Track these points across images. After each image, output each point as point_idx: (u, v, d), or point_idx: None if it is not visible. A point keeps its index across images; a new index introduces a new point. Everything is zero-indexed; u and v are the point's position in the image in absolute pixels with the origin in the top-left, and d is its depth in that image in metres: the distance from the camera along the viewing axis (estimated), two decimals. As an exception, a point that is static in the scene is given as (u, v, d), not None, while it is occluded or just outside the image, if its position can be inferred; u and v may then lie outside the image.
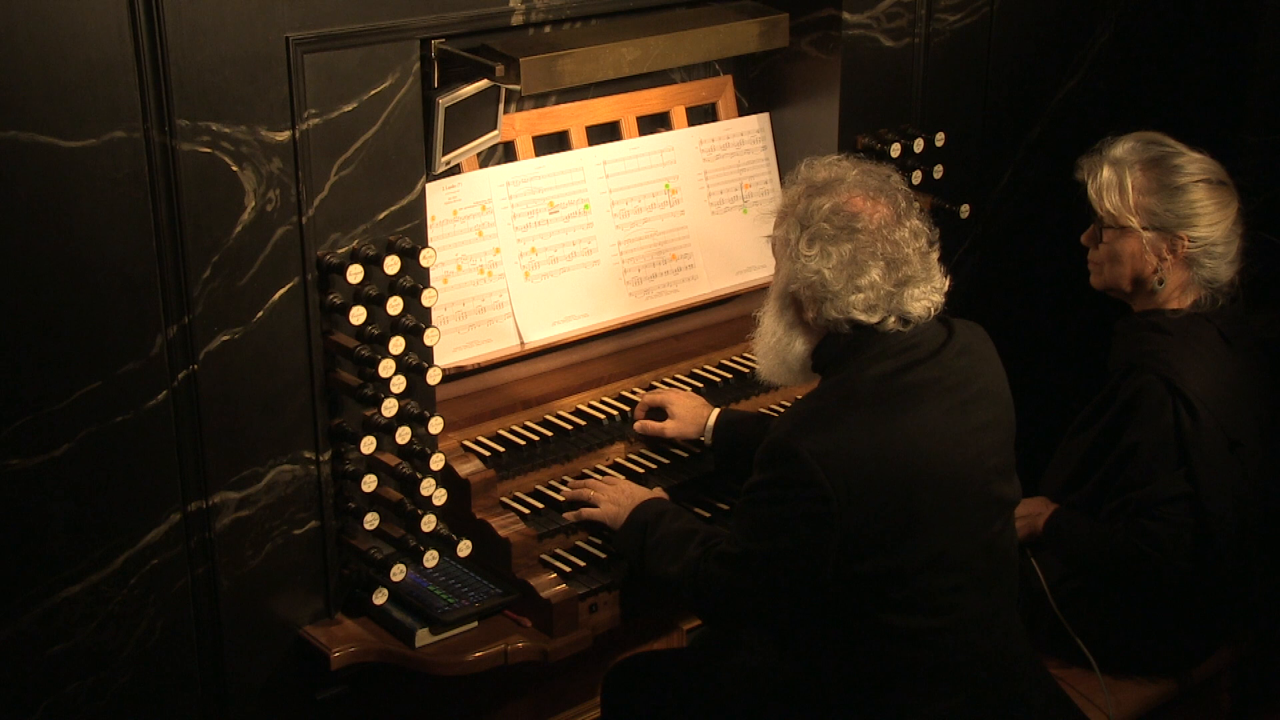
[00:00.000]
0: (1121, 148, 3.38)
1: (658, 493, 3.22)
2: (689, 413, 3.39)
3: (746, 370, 3.67)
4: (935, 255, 2.86)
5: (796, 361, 2.91)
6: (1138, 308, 3.41)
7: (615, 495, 3.16)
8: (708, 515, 3.27)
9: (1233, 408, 3.28)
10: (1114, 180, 3.34)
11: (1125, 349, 3.37)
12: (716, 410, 3.39)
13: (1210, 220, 3.31)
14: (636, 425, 3.41)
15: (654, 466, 3.35)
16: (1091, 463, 3.36)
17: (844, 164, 2.89)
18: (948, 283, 2.87)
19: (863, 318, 2.78)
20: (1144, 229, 3.31)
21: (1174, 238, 3.31)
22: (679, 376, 3.61)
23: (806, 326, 2.87)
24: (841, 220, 2.78)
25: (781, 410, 3.58)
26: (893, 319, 2.79)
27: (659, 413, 3.44)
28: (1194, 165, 3.33)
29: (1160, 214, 3.30)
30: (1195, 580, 3.25)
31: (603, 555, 3.15)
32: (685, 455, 3.41)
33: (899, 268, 2.77)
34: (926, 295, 2.81)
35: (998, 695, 2.88)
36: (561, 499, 3.22)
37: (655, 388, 3.56)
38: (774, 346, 2.93)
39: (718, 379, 3.61)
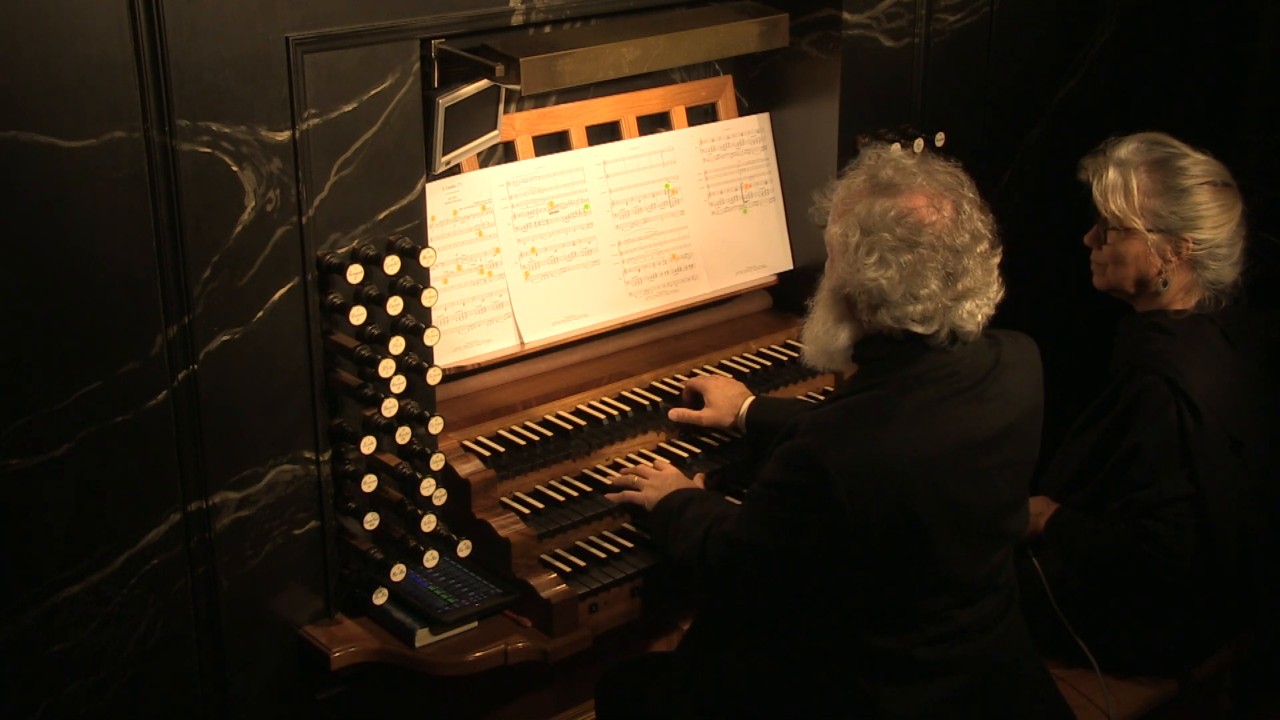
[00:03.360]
0: (1126, 149, 3.37)
1: (698, 481, 3.25)
2: (725, 401, 3.42)
3: (746, 370, 3.67)
4: (996, 259, 2.80)
5: (839, 353, 2.87)
6: (1141, 308, 3.41)
7: (659, 481, 3.20)
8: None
9: (1235, 408, 3.28)
10: (1119, 182, 3.33)
11: (1128, 349, 3.37)
12: (751, 398, 3.42)
13: (1215, 222, 3.31)
14: (672, 413, 3.44)
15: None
16: (1094, 463, 3.35)
17: (910, 162, 2.82)
18: (1002, 293, 2.82)
19: (918, 329, 2.74)
20: (1149, 231, 3.31)
21: (1179, 239, 3.30)
22: (679, 376, 3.61)
23: (857, 322, 2.82)
24: (905, 231, 2.71)
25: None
26: (945, 331, 2.75)
27: (698, 400, 3.48)
28: (1199, 167, 3.33)
29: (1165, 216, 3.30)
30: (1197, 581, 3.25)
31: (602, 555, 3.15)
32: (686, 456, 3.40)
33: (958, 280, 2.72)
34: (980, 309, 2.76)
35: (985, 696, 2.88)
36: (610, 483, 3.26)
37: (656, 388, 3.56)
38: (820, 336, 2.88)
39: (718, 379, 3.62)
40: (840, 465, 2.66)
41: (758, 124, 3.84)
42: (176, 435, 2.79)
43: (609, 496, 3.24)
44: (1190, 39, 4.54)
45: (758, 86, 3.86)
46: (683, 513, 3.05)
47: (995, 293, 2.80)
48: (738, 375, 3.63)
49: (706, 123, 3.79)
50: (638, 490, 3.21)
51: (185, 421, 2.79)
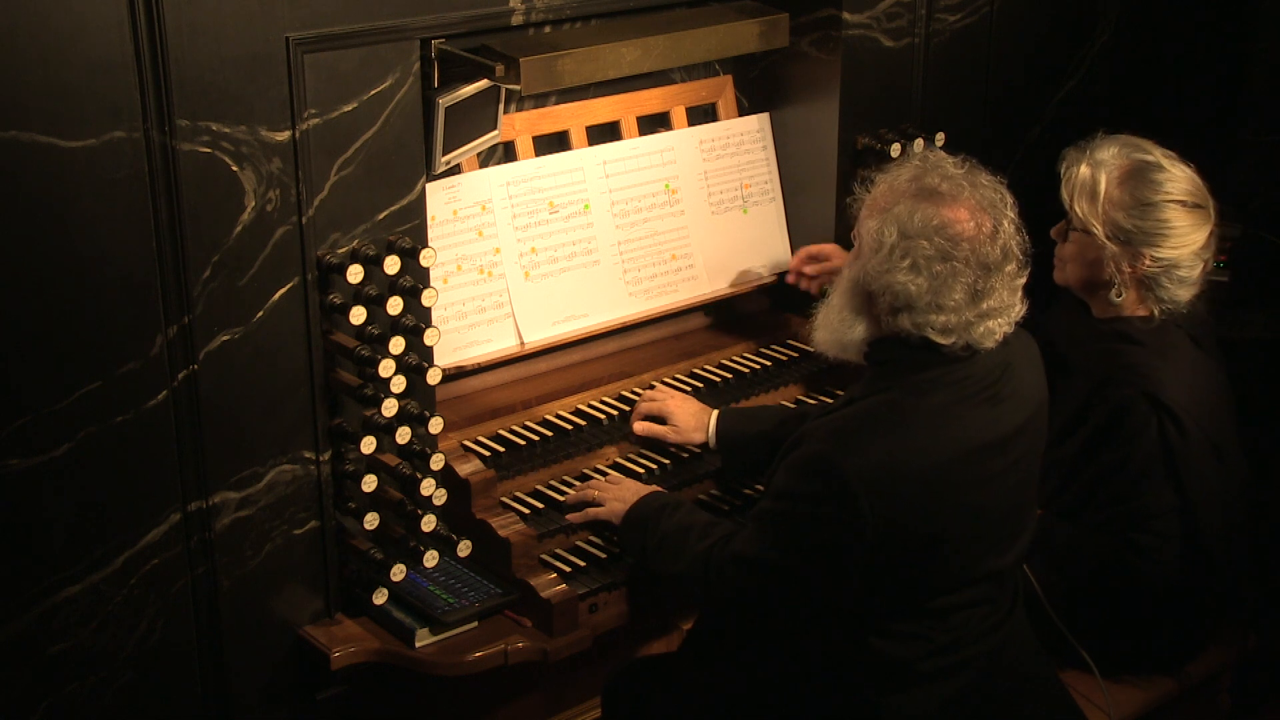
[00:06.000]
0: (1106, 151, 3.30)
1: (656, 488, 3.22)
2: (690, 419, 3.36)
3: (746, 370, 3.67)
4: (1023, 280, 2.78)
5: (852, 345, 2.85)
6: (1098, 313, 3.36)
7: (620, 494, 3.14)
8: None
9: (1213, 413, 3.26)
10: (1088, 183, 3.27)
11: (1096, 359, 3.29)
12: (715, 412, 3.37)
13: (1176, 242, 3.23)
14: (638, 428, 3.39)
15: (654, 467, 3.35)
16: (1074, 474, 3.32)
17: (958, 171, 2.78)
18: (1024, 310, 2.80)
19: (937, 339, 2.72)
20: (1108, 239, 3.25)
21: (1136, 253, 3.24)
22: (679, 376, 3.61)
23: (874, 319, 2.80)
24: (943, 241, 2.69)
25: (785, 407, 3.58)
26: (961, 345, 2.73)
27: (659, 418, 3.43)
28: (1173, 184, 3.24)
29: (1127, 228, 3.23)
30: (1185, 586, 3.24)
31: (603, 555, 3.14)
32: (686, 455, 3.40)
33: (983, 299, 2.70)
34: (1000, 328, 2.74)
35: (989, 695, 2.88)
36: (565, 501, 3.21)
37: (655, 388, 3.56)
38: (835, 324, 2.86)
39: (718, 379, 3.61)
40: (859, 471, 2.64)
41: (758, 124, 3.84)
42: (176, 435, 2.79)
43: (570, 517, 3.17)
44: (1190, 39, 4.54)
45: (758, 86, 3.86)
46: (659, 523, 3.00)
47: (1018, 312, 2.78)
48: (737, 375, 3.64)
49: (706, 123, 3.79)
50: (599, 505, 3.15)
51: (185, 421, 2.79)
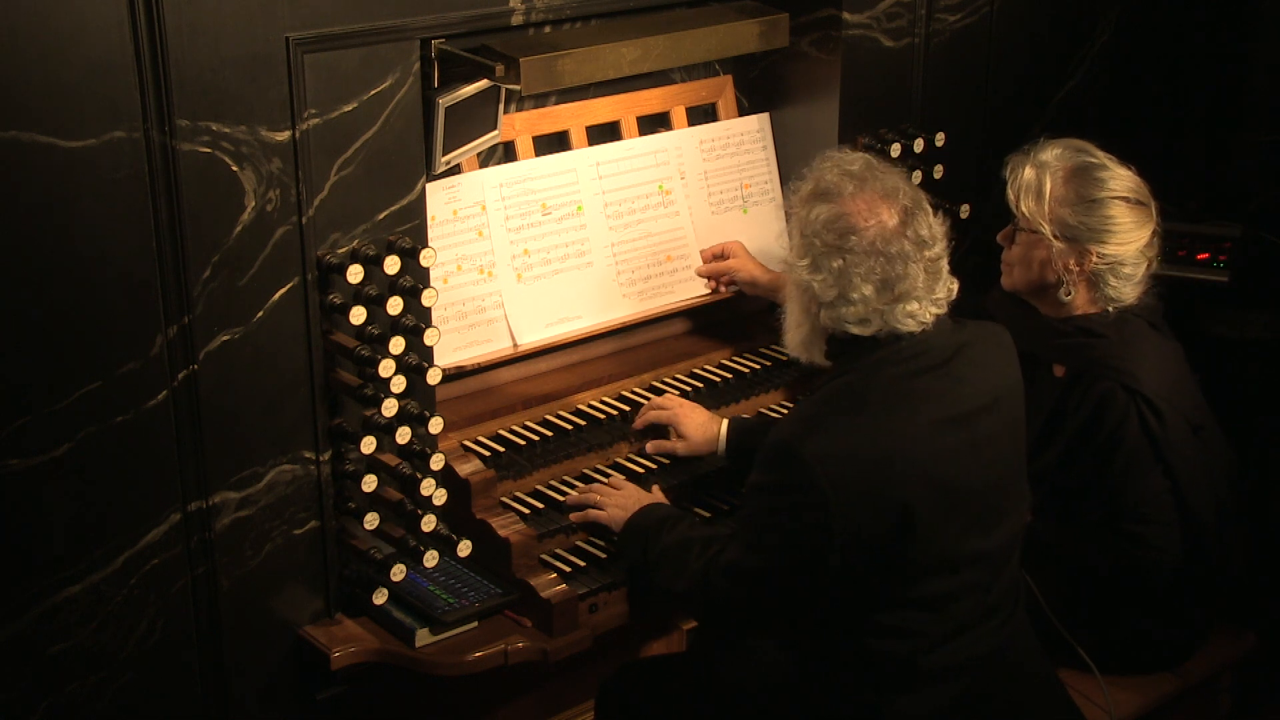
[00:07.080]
0: (1049, 152, 3.34)
1: (656, 494, 3.22)
2: (699, 430, 3.36)
3: (746, 370, 3.67)
4: (945, 261, 2.81)
5: (803, 345, 2.91)
6: (1046, 311, 3.38)
7: (621, 500, 3.15)
8: (708, 515, 3.28)
9: (1184, 393, 3.30)
10: (1034, 183, 3.31)
11: (1063, 355, 3.33)
12: (725, 422, 3.36)
13: (1121, 238, 3.26)
14: (649, 446, 3.39)
15: (654, 467, 3.35)
16: (1061, 477, 3.31)
17: (852, 168, 2.83)
18: (955, 289, 2.83)
19: (855, 330, 2.77)
20: (1055, 238, 3.28)
21: (1083, 250, 3.26)
22: (679, 376, 3.61)
23: (813, 319, 2.85)
24: (834, 236, 2.75)
25: (784, 410, 3.58)
26: (884, 333, 2.77)
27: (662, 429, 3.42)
28: (1116, 181, 3.28)
29: (1073, 225, 3.26)
30: (1186, 569, 3.25)
31: (603, 555, 3.15)
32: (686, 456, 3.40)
33: (893, 285, 2.73)
34: (923, 310, 2.77)
35: (992, 697, 2.88)
36: (565, 503, 3.21)
37: (655, 388, 3.56)
38: (790, 327, 2.93)
39: (717, 379, 3.62)
40: (818, 453, 2.67)
41: (758, 124, 3.84)
42: (176, 435, 2.79)
43: (571, 517, 3.18)
44: (1190, 39, 4.54)
45: (758, 86, 3.86)
46: (660, 536, 3.01)
47: (943, 293, 2.81)
48: (737, 375, 3.64)
49: (706, 123, 3.79)
50: (600, 509, 3.15)
51: (185, 421, 2.79)
